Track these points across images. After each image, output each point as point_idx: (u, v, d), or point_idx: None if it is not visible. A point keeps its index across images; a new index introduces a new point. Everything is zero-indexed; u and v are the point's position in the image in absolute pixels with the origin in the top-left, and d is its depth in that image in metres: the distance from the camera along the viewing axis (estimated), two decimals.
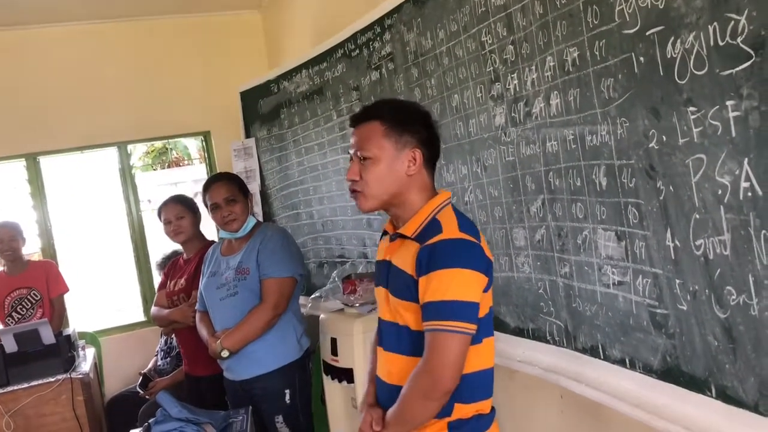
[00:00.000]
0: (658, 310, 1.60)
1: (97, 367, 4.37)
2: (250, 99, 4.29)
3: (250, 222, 2.68)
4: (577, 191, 1.83)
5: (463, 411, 1.56)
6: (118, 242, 5.18)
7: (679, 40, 1.38)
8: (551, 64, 1.85)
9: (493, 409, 1.65)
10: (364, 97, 3.03)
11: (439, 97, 2.47)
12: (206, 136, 5.33)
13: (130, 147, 5.29)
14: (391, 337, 1.64)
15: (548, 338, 2.10)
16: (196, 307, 2.80)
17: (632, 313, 1.70)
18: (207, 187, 2.71)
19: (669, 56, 1.41)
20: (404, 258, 1.56)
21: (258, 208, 4.25)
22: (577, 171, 1.82)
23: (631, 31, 1.52)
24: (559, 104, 1.84)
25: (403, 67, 2.69)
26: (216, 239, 3.22)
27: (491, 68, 2.15)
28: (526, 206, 2.10)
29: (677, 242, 1.49)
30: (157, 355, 4.06)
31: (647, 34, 1.47)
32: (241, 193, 2.70)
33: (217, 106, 4.95)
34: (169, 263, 3.30)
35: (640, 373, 1.70)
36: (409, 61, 2.64)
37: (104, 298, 5.14)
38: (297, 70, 3.64)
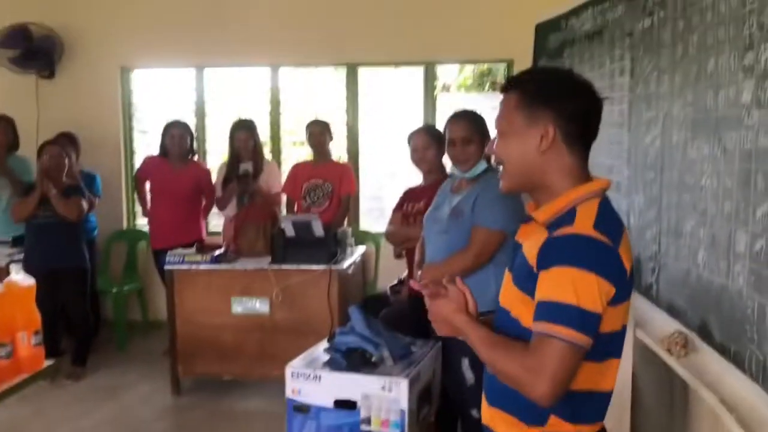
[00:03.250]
0: None
1: (365, 265, 4.85)
2: (543, 33, 4.10)
3: (480, 166, 2.62)
4: None
5: (561, 427, 1.39)
6: None
7: None
8: None
9: None
10: (634, 46, 2.70)
11: (698, 57, 2.09)
12: (510, 64, 5.29)
13: (440, 66, 5.50)
14: (502, 325, 1.51)
15: (745, 367, 1.75)
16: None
17: None
18: (449, 122, 2.73)
19: None
20: (531, 246, 1.41)
21: None
22: None
23: None
24: None
25: (672, 17, 2.32)
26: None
27: (747, 32, 1.75)
28: (753, 207, 1.72)
29: None
30: None
31: None
32: (479, 134, 2.65)
33: (524, 36, 4.81)
34: (407, 190, 3.45)
35: None
36: (678, 10, 2.26)
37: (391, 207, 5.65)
38: (585, 6, 3.35)
